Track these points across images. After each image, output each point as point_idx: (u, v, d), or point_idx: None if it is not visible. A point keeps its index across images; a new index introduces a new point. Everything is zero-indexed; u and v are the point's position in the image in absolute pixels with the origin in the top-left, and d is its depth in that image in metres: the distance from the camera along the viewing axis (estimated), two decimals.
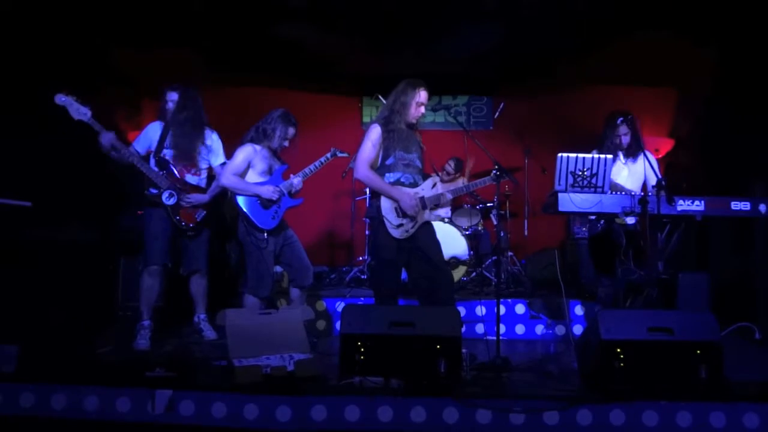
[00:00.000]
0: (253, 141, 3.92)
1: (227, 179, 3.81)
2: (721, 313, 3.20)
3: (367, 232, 5.91)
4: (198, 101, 4.09)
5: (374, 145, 3.58)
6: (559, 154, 3.80)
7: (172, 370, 2.94)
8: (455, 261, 5.36)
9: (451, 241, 5.35)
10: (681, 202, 3.80)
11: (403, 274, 3.71)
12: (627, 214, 3.83)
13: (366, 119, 7.37)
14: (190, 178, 4.05)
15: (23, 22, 4.60)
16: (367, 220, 5.57)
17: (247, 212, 3.80)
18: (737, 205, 3.79)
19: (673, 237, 4.20)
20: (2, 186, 4.06)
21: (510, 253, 5.85)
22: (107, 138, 3.77)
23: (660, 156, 6.45)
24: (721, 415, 2.70)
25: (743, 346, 4.00)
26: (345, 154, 4.28)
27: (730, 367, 2.86)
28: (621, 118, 4.24)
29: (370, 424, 2.71)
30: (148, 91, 6.26)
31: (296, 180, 3.96)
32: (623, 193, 3.95)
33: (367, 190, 5.60)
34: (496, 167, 3.60)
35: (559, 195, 3.78)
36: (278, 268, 4.31)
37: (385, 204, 3.56)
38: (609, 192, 3.83)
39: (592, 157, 3.79)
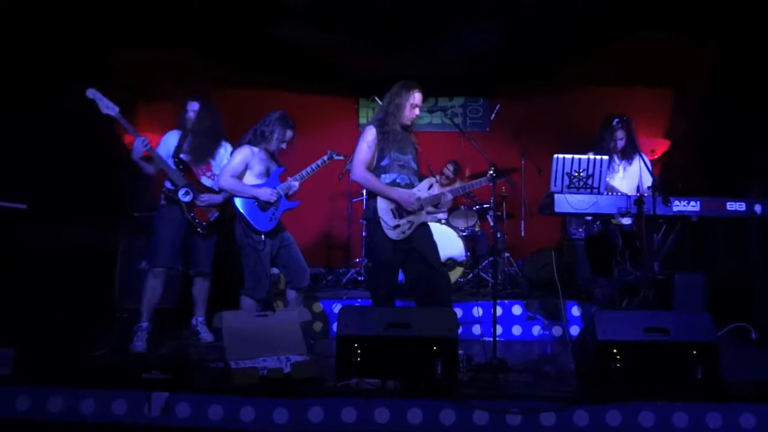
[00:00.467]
0: (250, 143, 3.92)
1: (225, 181, 3.81)
2: (718, 314, 3.20)
3: (363, 234, 5.91)
4: (217, 113, 4.20)
5: (369, 147, 3.58)
6: (556, 155, 3.81)
7: (168, 372, 2.93)
8: (452, 262, 5.37)
9: (448, 242, 5.36)
10: (677, 202, 3.81)
11: (400, 276, 3.71)
12: (623, 215, 3.84)
13: (362, 121, 7.38)
14: (206, 180, 4.14)
15: (22, 24, 4.59)
16: (364, 221, 5.58)
17: (245, 214, 3.80)
18: (733, 206, 3.81)
19: (669, 237, 4.21)
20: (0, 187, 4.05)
21: (507, 254, 5.86)
22: (141, 142, 3.89)
23: (656, 157, 6.47)
24: (718, 415, 2.70)
25: (739, 347, 4.01)
26: (341, 157, 4.29)
27: (726, 368, 2.87)
28: (617, 120, 4.26)
29: (366, 425, 2.71)
30: (143, 94, 6.27)
31: (293, 182, 3.97)
32: (618, 194, 3.96)
33: (364, 191, 5.61)
34: (493, 168, 3.60)
35: (556, 196, 3.78)
36: (275, 270, 4.31)
37: (382, 205, 3.56)
38: (605, 193, 3.84)
39: (588, 158, 3.80)
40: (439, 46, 5.91)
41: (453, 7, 5.20)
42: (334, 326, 4.24)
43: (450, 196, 3.72)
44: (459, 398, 2.74)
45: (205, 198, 4.06)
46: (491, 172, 3.62)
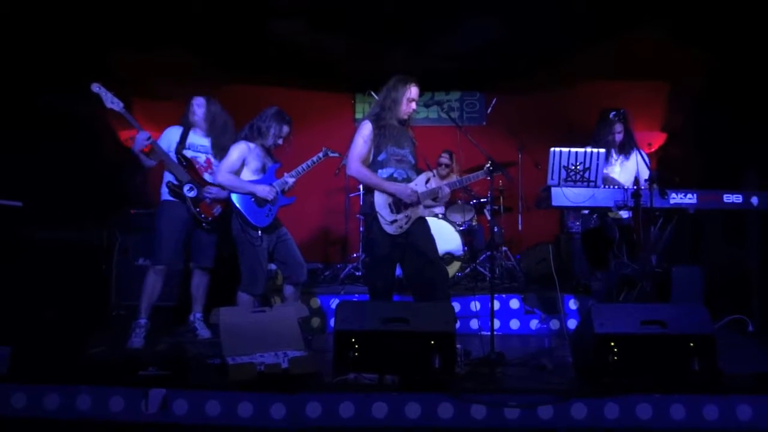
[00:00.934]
0: (246, 139, 3.90)
1: (223, 177, 3.80)
2: (714, 306, 3.22)
3: (361, 229, 5.90)
4: (220, 107, 4.19)
5: (366, 142, 3.57)
6: (552, 149, 3.80)
7: (165, 368, 2.92)
8: (449, 257, 5.36)
9: (445, 236, 5.35)
10: (674, 195, 3.81)
11: (398, 271, 3.70)
12: (620, 208, 3.83)
13: (359, 116, 7.37)
14: (208, 177, 4.12)
15: (20, 23, 4.56)
16: (361, 216, 5.57)
17: (242, 210, 3.79)
18: (729, 198, 3.81)
19: (666, 230, 4.21)
20: None
21: (504, 249, 5.86)
22: (143, 137, 3.88)
23: (652, 150, 6.47)
24: (715, 407, 2.71)
25: (736, 339, 4.02)
26: (336, 154, 4.27)
27: (723, 360, 2.87)
28: (614, 113, 4.25)
29: (364, 420, 2.71)
30: (138, 91, 6.23)
31: (289, 179, 3.95)
32: (616, 186, 3.95)
33: (361, 186, 5.59)
34: (490, 162, 3.59)
35: (552, 189, 3.78)
36: (272, 266, 4.30)
37: (379, 200, 3.55)
38: (602, 186, 3.83)
39: (585, 152, 3.80)
40: (432, 43, 5.90)
41: (447, 3, 5.18)
42: (332, 321, 4.23)
43: (447, 190, 3.71)
44: (457, 392, 2.74)
45: (214, 191, 4.04)
46: (488, 166, 3.61)
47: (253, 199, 3.82)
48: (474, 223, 5.92)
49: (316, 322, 4.59)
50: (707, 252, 4.75)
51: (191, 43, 5.73)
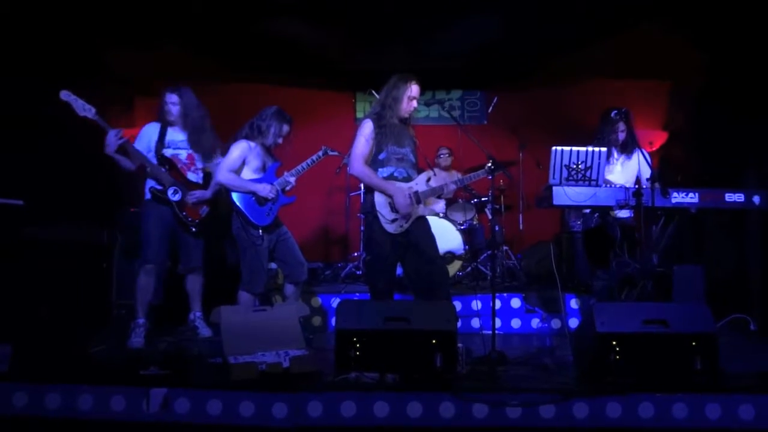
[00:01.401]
0: (247, 138, 3.90)
1: (224, 176, 3.79)
2: (716, 305, 3.20)
3: (361, 228, 5.89)
4: (197, 100, 4.10)
5: (367, 141, 3.56)
6: (554, 148, 3.80)
7: (166, 368, 2.92)
8: (450, 256, 5.36)
9: (446, 235, 5.34)
10: (675, 194, 3.81)
11: (399, 270, 3.70)
12: (622, 207, 3.83)
13: (359, 114, 7.35)
14: (191, 176, 4.08)
15: (18, 21, 4.56)
16: (362, 215, 5.56)
17: (243, 209, 3.79)
18: (731, 197, 3.80)
19: (668, 229, 4.21)
20: None
21: (505, 248, 5.85)
22: (114, 134, 3.76)
23: (654, 149, 6.46)
24: (717, 406, 2.70)
25: (738, 338, 4.01)
26: (336, 153, 4.27)
27: (725, 359, 2.86)
28: (615, 112, 4.25)
29: (366, 419, 2.70)
30: (140, 89, 6.24)
31: (289, 178, 3.95)
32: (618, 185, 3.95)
33: (362, 185, 5.58)
34: (490, 161, 3.58)
35: (554, 188, 3.77)
36: (273, 265, 4.30)
37: (380, 199, 3.55)
38: (603, 185, 3.83)
39: (587, 151, 3.79)
40: (433, 41, 5.89)
41: (451, 1, 5.17)
42: (333, 321, 4.24)
43: (453, 186, 3.70)
44: (458, 391, 2.73)
45: (196, 195, 4.00)
46: (489, 165, 3.60)
47: (253, 198, 3.81)
48: (475, 222, 5.91)
49: (317, 321, 4.59)
50: (709, 251, 4.74)
51: (191, 42, 5.72)
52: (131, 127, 6.14)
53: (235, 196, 3.80)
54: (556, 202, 3.77)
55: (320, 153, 4.11)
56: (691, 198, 3.79)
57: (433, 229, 3.70)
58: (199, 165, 4.14)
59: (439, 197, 3.67)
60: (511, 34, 5.74)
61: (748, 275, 4.35)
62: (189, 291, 4.19)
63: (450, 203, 6.02)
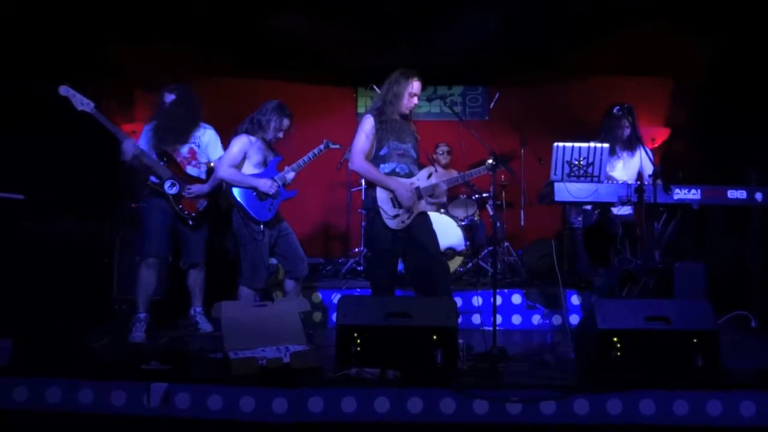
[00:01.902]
0: (247, 132, 3.89)
1: (225, 171, 3.78)
2: (718, 302, 3.19)
3: (362, 224, 5.89)
4: (194, 98, 4.10)
5: (368, 136, 3.56)
6: (555, 144, 3.79)
7: (167, 362, 2.92)
8: (451, 251, 5.35)
9: (447, 231, 5.34)
10: (677, 191, 3.80)
11: (400, 265, 3.69)
12: (624, 203, 3.82)
13: (361, 110, 7.34)
14: (191, 170, 4.08)
15: (20, 15, 4.55)
16: (363, 211, 5.55)
17: (244, 204, 3.78)
18: (734, 194, 3.80)
19: (670, 226, 4.20)
20: None
21: (506, 244, 5.84)
22: (132, 144, 3.80)
23: (656, 145, 6.45)
24: (718, 403, 2.70)
25: (740, 335, 4.00)
26: (337, 146, 4.25)
27: (726, 356, 2.86)
28: (618, 108, 4.24)
29: (366, 415, 2.70)
30: (140, 83, 6.23)
31: (290, 172, 3.94)
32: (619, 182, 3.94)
33: (363, 181, 5.57)
34: (492, 157, 3.57)
35: (555, 184, 3.77)
36: (273, 260, 4.29)
37: (381, 195, 3.54)
38: (605, 181, 3.82)
39: (588, 147, 3.78)
40: (435, 36, 5.87)
41: None
42: (333, 316, 4.25)
43: (444, 187, 3.69)
44: (459, 387, 2.73)
45: (193, 189, 4.01)
46: (491, 160, 3.59)
47: (254, 194, 3.80)
48: (476, 218, 5.90)
49: (317, 316, 4.59)
50: (710, 248, 4.74)
51: (192, 37, 5.71)
52: (131, 121, 6.15)
53: (235, 191, 3.79)
54: (557, 198, 3.77)
55: (322, 146, 4.10)
56: (693, 194, 3.78)
57: (434, 225, 3.70)
58: (201, 159, 4.14)
59: (431, 196, 3.65)
60: (513, 30, 5.72)
61: (749, 272, 4.34)
62: (190, 286, 4.19)
63: (451, 199, 6.01)
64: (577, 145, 3.77)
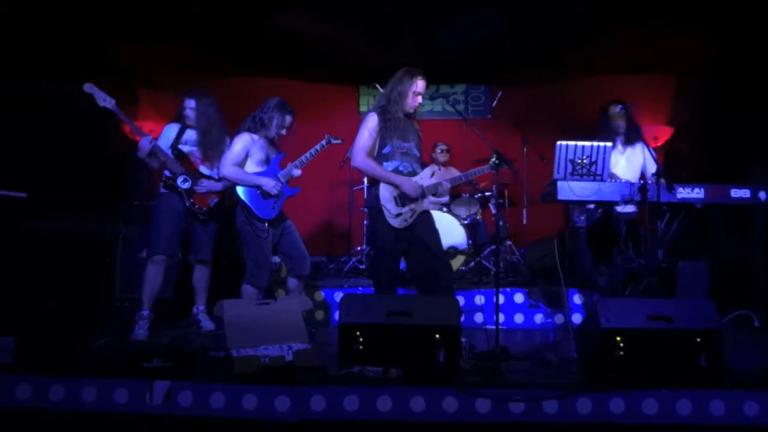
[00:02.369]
0: (250, 130, 3.89)
1: (227, 170, 3.78)
2: (721, 301, 3.19)
3: (365, 222, 5.89)
4: (215, 106, 4.18)
5: (371, 134, 3.55)
6: (558, 142, 3.78)
7: (170, 360, 2.92)
8: (454, 250, 5.35)
9: (450, 230, 5.34)
10: (681, 189, 3.78)
11: (402, 264, 3.69)
12: (627, 202, 3.81)
13: (363, 108, 7.34)
14: (204, 169, 4.14)
15: (22, 16, 4.55)
16: (365, 209, 5.54)
17: (248, 202, 3.78)
18: (737, 193, 3.78)
19: (673, 225, 4.19)
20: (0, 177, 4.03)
21: (509, 242, 5.84)
22: (148, 141, 3.90)
23: (659, 144, 6.43)
24: (721, 403, 2.70)
25: (743, 334, 4.00)
26: (339, 141, 4.24)
27: (729, 355, 2.85)
28: (620, 107, 4.24)
29: (369, 413, 2.70)
30: (144, 81, 6.23)
31: (294, 169, 3.94)
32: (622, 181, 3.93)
33: (365, 179, 5.57)
34: (495, 156, 3.57)
35: (558, 183, 3.76)
36: (276, 259, 4.29)
37: (384, 193, 3.54)
38: (608, 180, 3.81)
39: (591, 145, 3.77)
40: (437, 35, 5.86)
41: None
42: (336, 315, 4.24)
43: (447, 185, 3.68)
44: (462, 386, 2.73)
45: (205, 184, 4.07)
46: (494, 159, 3.58)
47: (258, 192, 3.80)
48: (478, 217, 5.90)
49: (320, 315, 4.59)
50: (714, 247, 4.73)
51: (193, 35, 5.70)
52: (134, 120, 6.14)
53: (239, 189, 3.79)
54: (560, 197, 3.76)
55: (324, 142, 4.09)
56: (697, 193, 3.77)
57: (437, 224, 3.69)
58: (208, 163, 4.19)
59: (434, 195, 3.65)
60: (516, 28, 5.70)
61: (752, 271, 4.33)
62: (195, 284, 4.22)
63: (454, 197, 6.01)
64: (580, 143, 3.75)
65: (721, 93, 5.31)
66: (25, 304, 3.71)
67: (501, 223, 5.67)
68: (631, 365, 2.82)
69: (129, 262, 4.83)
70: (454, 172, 5.10)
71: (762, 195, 3.80)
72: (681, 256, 4.24)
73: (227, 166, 3.78)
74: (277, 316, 3.36)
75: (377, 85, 5.44)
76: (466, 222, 5.62)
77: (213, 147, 4.13)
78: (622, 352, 2.82)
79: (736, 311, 4.17)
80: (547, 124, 6.34)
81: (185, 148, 4.11)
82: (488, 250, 5.76)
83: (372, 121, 3.55)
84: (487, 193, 6.02)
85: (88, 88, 3.86)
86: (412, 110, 3.65)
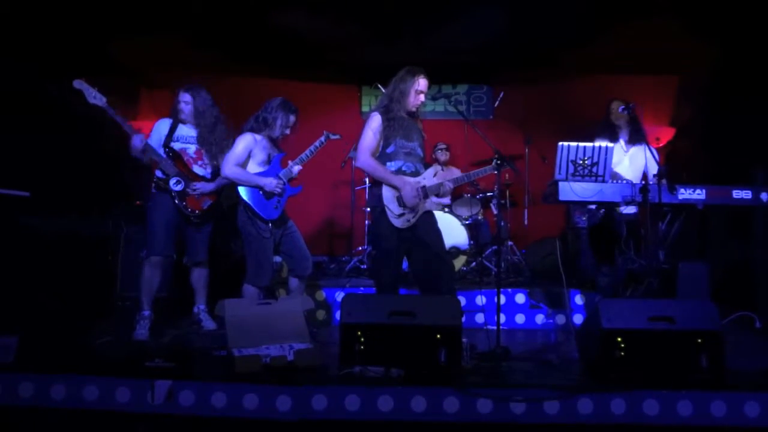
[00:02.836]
0: (252, 131, 3.88)
1: (230, 170, 3.77)
2: (722, 303, 3.19)
3: (366, 222, 5.89)
4: (210, 100, 4.13)
5: (375, 134, 3.55)
6: (560, 143, 3.78)
7: (171, 360, 2.93)
8: (455, 250, 5.35)
9: (452, 230, 5.34)
10: (682, 190, 3.79)
11: (404, 264, 3.69)
12: (628, 203, 3.81)
13: (365, 108, 7.34)
14: (197, 169, 4.09)
15: (23, 14, 4.56)
16: (367, 209, 5.55)
17: (251, 203, 3.77)
18: (738, 194, 3.78)
19: (674, 226, 4.19)
20: (2, 175, 4.04)
21: (510, 243, 5.84)
22: (139, 139, 3.84)
23: (661, 144, 6.43)
24: (722, 404, 2.70)
25: (744, 336, 4.00)
26: (337, 136, 4.23)
27: (730, 356, 2.85)
28: (622, 107, 4.23)
29: (370, 413, 2.71)
30: (144, 81, 6.24)
31: (294, 167, 3.94)
32: (623, 181, 3.93)
33: (367, 179, 5.57)
34: (497, 156, 3.57)
35: (560, 184, 3.76)
36: (278, 258, 4.30)
37: (387, 193, 3.53)
38: (609, 181, 3.81)
39: (593, 146, 3.77)
40: (439, 34, 5.86)
41: None
42: (337, 314, 4.25)
43: (450, 185, 3.67)
44: (463, 386, 2.73)
45: (198, 186, 4.01)
46: (496, 160, 3.59)
47: (261, 192, 3.80)
48: (480, 218, 5.90)
49: (321, 314, 4.59)
50: (715, 248, 4.72)
51: (195, 34, 5.71)
52: (134, 118, 6.17)
53: (242, 190, 3.78)
54: (561, 197, 3.76)
55: (322, 138, 4.09)
56: (698, 194, 3.77)
57: (439, 224, 3.69)
58: (208, 160, 4.15)
59: (437, 195, 3.64)
60: (518, 28, 5.70)
61: (753, 273, 4.33)
62: (194, 284, 4.19)
63: (455, 198, 6.01)
64: (581, 144, 3.76)
65: (723, 93, 5.30)
66: (27, 303, 3.72)
67: (502, 223, 5.68)
68: (632, 366, 2.82)
69: (130, 260, 4.84)
70: (456, 172, 5.10)
71: (763, 196, 3.80)
72: (682, 257, 4.24)
73: (229, 167, 3.78)
74: (279, 315, 3.36)
75: (379, 86, 5.43)
76: (467, 222, 5.62)
77: (216, 144, 4.07)
78: (623, 353, 2.82)
79: (737, 312, 4.17)
80: (549, 124, 6.34)
81: (177, 146, 4.04)
82: (490, 250, 5.76)
83: (376, 121, 3.55)
84: (488, 194, 6.03)
85: (78, 84, 3.80)
86: (414, 109, 3.65)
